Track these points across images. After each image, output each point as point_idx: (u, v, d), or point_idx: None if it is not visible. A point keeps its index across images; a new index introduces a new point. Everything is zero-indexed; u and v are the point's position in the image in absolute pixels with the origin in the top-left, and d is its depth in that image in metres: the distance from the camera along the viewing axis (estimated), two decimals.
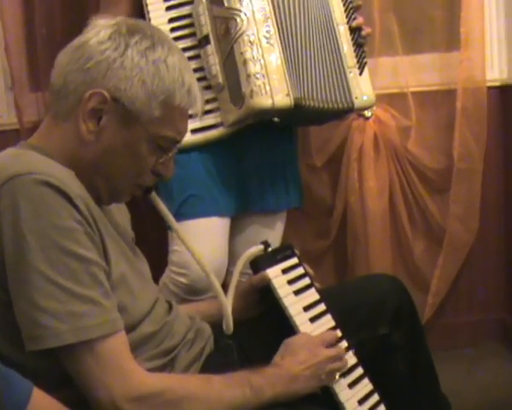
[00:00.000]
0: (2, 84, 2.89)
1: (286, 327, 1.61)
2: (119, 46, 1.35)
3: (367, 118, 2.89)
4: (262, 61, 2.00)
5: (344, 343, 1.64)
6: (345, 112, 2.26)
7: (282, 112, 2.08)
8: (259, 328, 1.72)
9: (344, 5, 2.22)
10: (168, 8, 2.09)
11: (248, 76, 1.99)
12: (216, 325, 1.66)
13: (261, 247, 1.70)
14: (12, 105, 2.85)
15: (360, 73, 2.22)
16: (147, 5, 2.07)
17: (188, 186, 2.14)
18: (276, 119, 2.19)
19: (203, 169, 2.17)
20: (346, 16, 2.22)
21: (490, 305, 3.22)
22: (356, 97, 2.19)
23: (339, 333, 1.64)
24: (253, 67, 1.99)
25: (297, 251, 1.78)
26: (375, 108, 2.87)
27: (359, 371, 1.63)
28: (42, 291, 1.22)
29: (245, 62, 2.00)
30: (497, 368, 2.93)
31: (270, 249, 1.71)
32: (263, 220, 2.36)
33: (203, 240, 2.11)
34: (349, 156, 2.91)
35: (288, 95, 2.02)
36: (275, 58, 2.03)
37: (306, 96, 2.08)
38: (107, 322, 1.27)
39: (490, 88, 3.01)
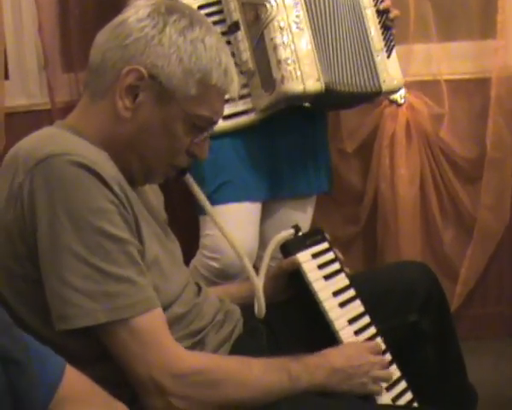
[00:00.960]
0: (36, 65, 2.90)
1: (315, 312, 1.61)
2: (157, 24, 1.36)
3: (399, 105, 2.87)
4: (292, 47, 1.99)
5: (373, 329, 1.64)
6: (373, 95, 2.26)
7: (312, 97, 2.08)
8: (289, 312, 1.72)
9: None
10: None
11: (279, 61, 1.98)
12: (245, 307, 1.67)
13: (291, 231, 1.70)
14: (45, 85, 2.86)
15: (388, 57, 2.21)
16: None
17: (220, 172, 2.15)
18: (307, 104, 2.19)
19: (235, 155, 2.18)
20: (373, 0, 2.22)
21: None
22: (384, 81, 2.18)
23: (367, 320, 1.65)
24: (284, 53, 1.98)
25: (327, 236, 1.78)
26: (407, 94, 2.87)
27: (388, 357, 1.62)
28: (76, 271, 1.23)
29: (275, 48, 1.99)
30: None
31: (300, 234, 1.71)
32: (293, 205, 2.37)
33: (234, 225, 2.11)
34: (380, 143, 2.90)
35: (318, 80, 2.02)
36: (305, 43, 2.02)
37: (336, 80, 2.08)
38: (143, 300, 1.27)
39: None
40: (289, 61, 1.98)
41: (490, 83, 2.92)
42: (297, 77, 1.98)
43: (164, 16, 1.37)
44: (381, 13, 2.21)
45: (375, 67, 2.17)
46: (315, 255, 1.68)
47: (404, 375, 1.64)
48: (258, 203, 2.25)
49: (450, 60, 2.99)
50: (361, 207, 2.98)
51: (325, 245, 1.74)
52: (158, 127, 1.38)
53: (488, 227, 3.01)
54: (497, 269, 3.13)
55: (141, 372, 1.27)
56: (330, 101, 2.22)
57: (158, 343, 1.29)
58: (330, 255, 1.73)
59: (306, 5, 2.05)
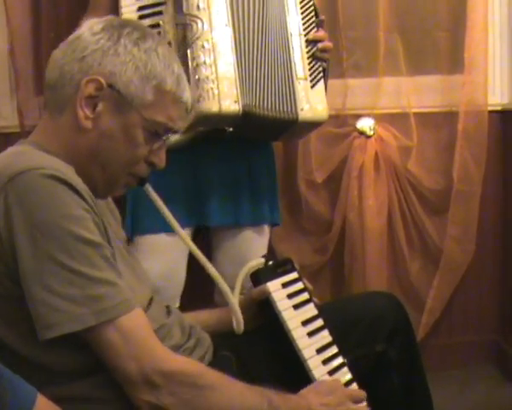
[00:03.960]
0: (8, 87, 2.90)
1: (284, 340, 1.62)
2: (112, 36, 1.41)
3: (369, 136, 2.91)
4: (213, 67, 1.98)
5: (340, 359, 1.65)
6: (290, 123, 2.16)
7: (230, 119, 2.03)
8: (258, 340, 1.73)
9: (303, 18, 2.19)
10: (141, 18, 2.07)
11: (198, 81, 1.96)
12: (215, 335, 1.68)
13: (262, 260, 1.72)
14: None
15: (312, 87, 2.17)
16: (121, 14, 2.07)
17: (139, 200, 2.13)
18: (229, 128, 2.11)
19: (155, 183, 2.13)
20: (305, 28, 2.19)
21: (483, 327, 3.24)
22: (301, 109, 2.13)
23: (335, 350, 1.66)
24: (204, 72, 1.97)
25: (297, 266, 1.80)
26: (376, 126, 2.91)
27: (354, 387, 1.63)
28: (59, 279, 1.25)
29: (196, 67, 1.97)
30: (489, 390, 2.95)
31: (270, 263, 1.73)
32: (244, 234, 2.32)
33: (152, 257, 2.15)
34: (349, 174, 2.93)
35: (236, 101, 1.99)
36: (227, 65, 2.00)
37: (256, 104, 2.04)
38: (125, 301, 1.31)
39: (491, 112, 3.04)
40: (208, 81, 1.96)
41: (457, 117, 2.98)
42: (214, 97, 1.96)
43: (117, 29, 1.43)
44: (311, 43, 2.19)
45: (293, 95, 2.12)
46: (285, 285, 1.70)
47: (371, 405, 1.65)
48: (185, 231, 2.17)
49: (418, 93, 3.04)
50: (329, 237, 2.99)
51: (295, 275, 1.76)
52: (118, 135, 1.42)
53: (454, 258, 3.05)
54: (462, 299, 3.17)
55: (131, 370, 1.29)
56: (252, 126, 2.12)
57: (146, 341, 1.32)
58: (299, 285, 1.75)
59: (234, 27, 2.04)
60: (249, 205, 2.28)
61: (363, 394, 1.58)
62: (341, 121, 2.97)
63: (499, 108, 3.11)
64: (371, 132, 2.92)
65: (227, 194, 2.24)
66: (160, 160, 1.50)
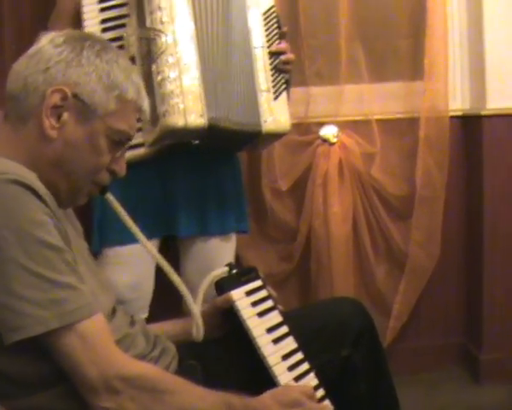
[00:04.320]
0: None
1: (249, 348, 1.62)
2: (74, 48, 1.44)
3: (332, 144, 2.93)
4: (178, 82, 1.98)
5: (306, 365, 1.66)
6: (254, 135, 2.18)
7: (196, 133, 2.03)
8: (224, 349, 1.74)
9: (266, 30, 2.20)
10: (104, 30, 2.08)
11: (163, 95, 1.96)
12: (180, 345, 1.68)
13: (226, 268, 1.73)
14: None
15: (275, 98, 2.18)
16: (84, 27, 2.07)
17: (105, 213, 2.12)
18: (195, 141, 2.12)
19: (122, 195, 2.11)
20: (268, 40, 2.20)
21: (450, 330, 3.28)
22: (265, 121, 2.14)
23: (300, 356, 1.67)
24: (169, 87, 1.97)
25: (261, 274, 1.80)
26: (340, 134, 2.93)
27: (321, 392, 1.63)
28: (23, 282, 1.26)
29: (161, 82, 1.97)
30: (456, 392, 2.98)
31: (234, 271, 1.74)
32: (212, 243, 2.32)
33: (120, 269, 2.15)
34: (314, 181, 2.94)
35: (202, 115, 1.99)
36: (192, 79, 2.00)
37: (221, 117, 2.04)
38: (87, 305, 1.32)
39: (452, 117, 3.08)
40: (173, 96, 1.96)
41: (419, 123, 3.02)
42: (179, 111, 1.96)
43: (79, 41, 1.45)
44: (274, 55, 2.20)
45: (257, 107, 2.14)
46: (249, 293, 1.71)
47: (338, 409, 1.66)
48: (153, 242, 2.17)
49: (381, 100, 3.07)
50: (295, 245, 3.00)
51: (259, 283, 1.76)
52: (83, 143, 1.43)
53: (419, 263, 3.08)
54: (428, 303, 3.20)
55: (91, 375, 1.29)
56: (217, 138, 2.13)
57: (106, 345, 1.33)
58: (264, 293, 1.75)
59: (198, 40, 2.04)
60: (216, 214, 2.29)
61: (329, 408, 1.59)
62: (305, 129, 2.99)
63: (460, 113, 3.16)
64: (334, 140, 2.94)
65: (194, 204, 2.25)
66: (121, 168, 1.53)
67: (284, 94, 2.22)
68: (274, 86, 2.19)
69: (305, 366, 1.66)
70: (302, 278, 3.06)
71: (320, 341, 1.77)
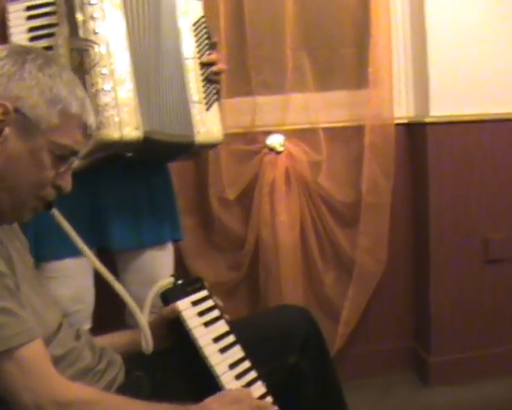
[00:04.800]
0: None
1: (196, 358, 1.63)
2: (16, 62, 1.41)
3: (278, 152, 2.95)
4: (113, 94, 1.95)
5: (253, 373, 1.67)
6: (188, 147, 2.18)
7: (131, 145, 2.01)
8: (170, 359, 1.74)
9: (197, 40, 2.21)
10: (32, 39, 2.02)
11: (98, 107, 1.93)
12: (127, 357, 1.68)
13: (171, 279, 1.73)
14: None
15: (207, 109, 2.19)
16: (10, 35, 2.02)
17: (40, 227, 2.08)
18: (129, 153, 2.08)
19: (57, 206, 2.09)
20: (198, 51, 2.21)
21: (399, 334, 3.31)
22: (198, 132, 2.15)
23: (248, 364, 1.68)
24: (103, 99, 1.94)
25: (207, 284, 1.81)
26: (286, 142, 2.95)
27: (268, 400, 1.65)
28: None
29: (96, 93, 1.94)
30: (407, 395, 3.02)
31: (180, 282, 1.74)
32: (149, 254, 2.31)
33: (59, 282, 2.12)
34: (261, 190, 2.95)
35: (137, 128, 1.97)
36: (127, 91, 1.98)
37: (156, 130, 2.03)
38: (25, 330, 1.31)
39: (397, 125, 3.12)
40: (108, 108, 1.93)
41: (364, 130, 3.05)
42: (114, 124, 1.93)
43: (22, 55, 1.43)
44: (205, 66, 2.21)
45: (189, 118, 2.14)
46: (195, 303, 1.72)
47: None
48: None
49: (326, 108, 3.09)
50: (243, 254, 3.00)
51: (204, 293, 1.77)
52: (25, 158, 1.41)
53: (367, 269, 3.11)
54: (377, 308, 3.24)
55: (26, 401, 1.29)
56: (151, 150, 2.11)
57: (43, 372, 1.32)
58: (210, 303, 1.76)
59: (131, 52, 2.01)
60: (151, 225, 2.27)
61: (271, 406, 1.59)
62: (251, 138, 3.00)
63: (405, 121, 3.20)
64: (281, 148, 2.95)
65: (127, 216, 2.22)
66: (67, 183, 1.51)
67: (216, 104, 2.23)
68: (206, 97, 2.20)
69: (253, 374, 1.67)
70: (251, 287, 3.07)
71: (266, 349, 1.78)
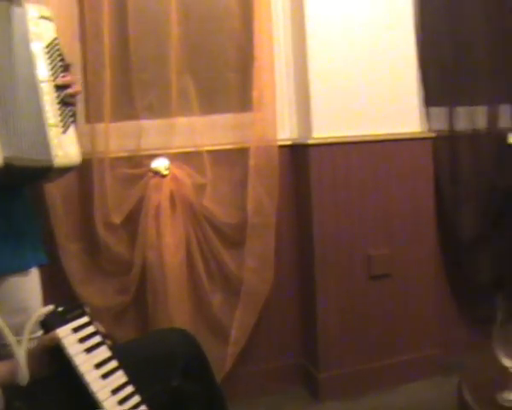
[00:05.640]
0: None
1: (78, 385, 1.62)
2: None
3: (164, 176, 2.96)
4: None
5: (137, 398, 1.68)
6: (46, 170, 2.14)
7: None
8: (54, 387, 1.71)
9: (50, 63, 2.18)
10: None
11: None
12: (7, 386, 1.65)
13: (51, 307, 1.71)
14: None
15: (64, 132, 2.16)
16: None
17: None
18: None
19: None
20: (53, 74, 2.17)
21: (289, 352, 3.38)
22: (56, 155, 2.12)
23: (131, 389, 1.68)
24: None
25: (88, 310, 1.80)
26: (171, 166, 2.96)
27: None
28: None
29: None
30: None
31: (60, 309, 1.73)
32: (14, 281, 2.22)
33: None
34: (146, 214, 2.95)
35: None
36: None
37: (15, 156, 1.99)
38: None
39: (281, 147, 3.19)
40: None
41: (249, 152, 3.10)
42: None
43: None
44: (60, 88, 2.18)
45: (47, 142, 2.11)
46: (75, 330, 1.70)
47: None
48: None
49: (211, 132, 3.14)
50: (130, 277, 2.99)
51: (85, 319, 1.75)
52: None
53: (254, 289, 3.15)
54: (266, 327, 3.29)
55: None
56: (11, 176, 2.06)
57: None
58: (91, 329, 1.75)
59: None
60: (12, 252, 2.21)
61: None
62: (136, 162, 3.00)
63: (289, 142, 3.28)
64: (166, 172, 2.96)
65: None
66: None
67: (72, 127, 2.20)
68: (62, 120, 2.17)
69: (136, 398, 1.68)
70: (139, 310, 3.05)
71: (149, 372, 1.79)
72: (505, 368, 1.62)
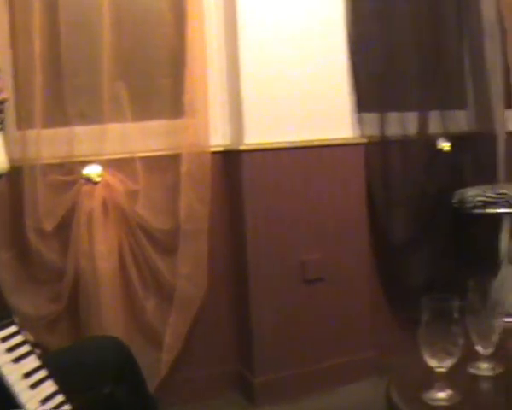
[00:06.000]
0: None
1: (6, 396, 1.60)
2: None
3: (96, 183, 2.94)
4: None
5: (67, 407, 1.66)
6: None
7: None
8: None
9: None
10: None
11: None
12: None
13: None
14: None
15: None
16: None
17: None
18: None
19: None
20: None
21: (224, 357, 3.38)
22: None
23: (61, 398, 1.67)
24: None
25: (16, 319, 1.78)
26: (103, 173, 2.93)
27: None
28: None
29: None
30: None
31: None
32: None
33: None
34: (78, 221, 2.92)
35: None
36: None
37: None
38: None
39: (214, 153, 3.20)
40: None
41: (181, 159, 3.10)
42: None
43: None
44: None
45: None
46: (3, 339, 1.67)
47: None
48: None
49: (144, 138, 3.13)
50: (63, 285, 2.95)
51: (13, 329, 1.73)
52: None
53: (187, 295, 3.15)
54: (201, 333, 3.28)
55: None
56: None
57: None
58: (19, 338, 1.72)
59: None
60: None
61: None
62: (68, 169, 2.96)
63: (221, 148, 3.29)
64: (98, 179, 2.94)
65: None
66: None
67: (0, 134, 2.14)
68: None
69: (66, 408, 1.66)
70: (72, 318, 3.01)
71: (80, 380, 1.79)
72: (430, 368, 1.66)
